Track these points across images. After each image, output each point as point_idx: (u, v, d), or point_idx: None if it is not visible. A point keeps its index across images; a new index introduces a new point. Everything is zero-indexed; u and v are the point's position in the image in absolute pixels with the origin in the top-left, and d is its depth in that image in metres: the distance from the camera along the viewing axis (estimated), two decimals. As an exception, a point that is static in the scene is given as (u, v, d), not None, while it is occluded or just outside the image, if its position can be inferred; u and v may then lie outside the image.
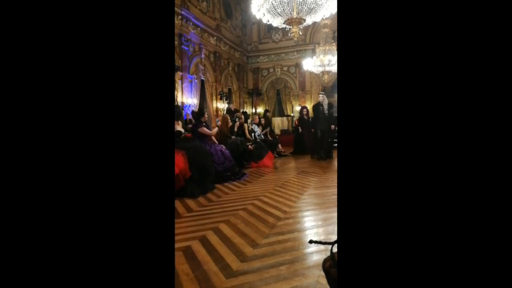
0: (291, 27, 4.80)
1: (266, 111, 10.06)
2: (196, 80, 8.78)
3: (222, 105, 10.00)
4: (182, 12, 8.05)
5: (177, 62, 7.94)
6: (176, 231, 2.22)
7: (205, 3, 9.43)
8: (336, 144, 7.39)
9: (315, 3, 4.42)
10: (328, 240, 1.42)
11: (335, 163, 5.86)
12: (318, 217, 2.61)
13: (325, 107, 6.75)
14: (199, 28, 8.95)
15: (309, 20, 4.77)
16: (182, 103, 7.93)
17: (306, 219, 2.58)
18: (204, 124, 4.39)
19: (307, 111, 8.24)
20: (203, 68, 9.18)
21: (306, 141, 7.66)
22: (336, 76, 9.37)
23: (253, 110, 12.03)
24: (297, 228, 2.32)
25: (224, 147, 4.76)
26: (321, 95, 6.99)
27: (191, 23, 8.52)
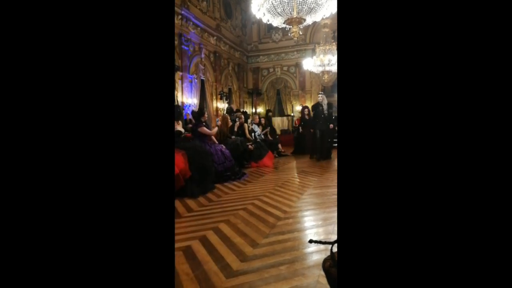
0: (291, 26, 4.80)
1: (268, 111, 10.04)
2: (196, 80, 8.78)
3: (222, 105, 10.00)
4: (182, 12, 8.04)
5: (177, 62, 7.94)
6: (176, 231, 2.22)
7: (205, 2, 9.43)
8: (335, 144, 7.39)
9: (315, 2, 4.42)
10: (328, 240, 1.43)
11: (335, 163, 5.86)
12: (318, 216, 2.61)
13: (325, 107, 6.73)
14: (199, 28, 8.95)
15: (309, 20, 4.77)
16: (182, 103, 7.93)
17: (306, 218, 2.58)
18: (204, 124, 4.39)
19: (309, 111, 8.16)
20: (203, 68, 9.18)
21: (307, 141, 7.63)
22: (336, 76, 9.36)
23: (253, 110, 12.02)
24: (297, 228, 2.32)
25: (224, 147, 4.76)
26: (320, 95, 6.96)
27: (191, 23, 8.52)
